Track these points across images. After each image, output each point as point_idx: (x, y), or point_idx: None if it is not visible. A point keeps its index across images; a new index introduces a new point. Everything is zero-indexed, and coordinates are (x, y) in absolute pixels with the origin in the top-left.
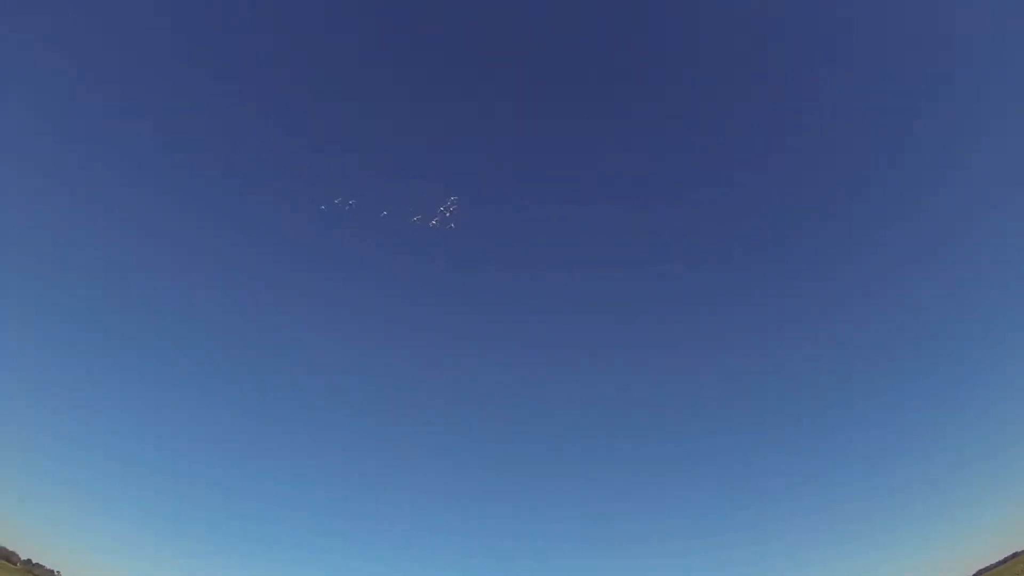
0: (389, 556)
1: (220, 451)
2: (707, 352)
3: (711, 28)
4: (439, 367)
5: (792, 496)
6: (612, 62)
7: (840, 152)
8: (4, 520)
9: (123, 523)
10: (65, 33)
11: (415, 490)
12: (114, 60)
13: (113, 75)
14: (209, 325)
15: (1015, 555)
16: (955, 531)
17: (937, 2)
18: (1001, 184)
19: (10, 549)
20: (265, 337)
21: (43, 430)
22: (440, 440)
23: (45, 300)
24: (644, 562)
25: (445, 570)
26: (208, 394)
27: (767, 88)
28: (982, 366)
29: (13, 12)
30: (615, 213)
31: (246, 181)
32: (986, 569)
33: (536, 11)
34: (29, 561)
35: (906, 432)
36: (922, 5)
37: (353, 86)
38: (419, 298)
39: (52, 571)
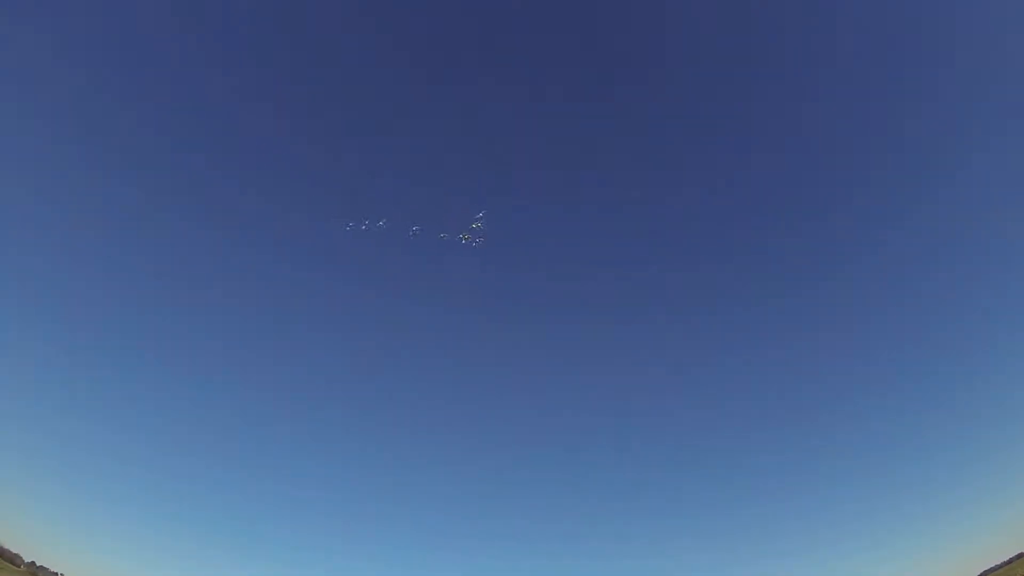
0: (389, 556)
1: (222, 452)
2: (707, 352)
3: (712, 28)
4: (440, 368)
5: (792, 496)
6: (608, 62)
7: (840, 152)
8: (7, 522)
9: (127, 525)
10: (89, 34)
11: (416, 490)
12: (148, 75)
13: (138, 87)
14: (216, 328)
15: (1021, 555)
16: (958, 530)
17: (937, 2)
18: (1001, 184)
19: (14, 551)
20: (267, 338)
21: (46, 431)
22: (442, 440)
23: (46, 300)
24: (644, 562)
25: (446, 570)
26: (211, 395)
27: (767, 88)
28: (982, 366)
29: (13, 12)
30: (614, 214)
31: (273, 196)
32: (991, 569)
33: (552, 18)
34: (33, 564)
35: (907, 431)
36: (922, 5)
37: (378, 101)
38: (421, 301)
39: (56, 573)
